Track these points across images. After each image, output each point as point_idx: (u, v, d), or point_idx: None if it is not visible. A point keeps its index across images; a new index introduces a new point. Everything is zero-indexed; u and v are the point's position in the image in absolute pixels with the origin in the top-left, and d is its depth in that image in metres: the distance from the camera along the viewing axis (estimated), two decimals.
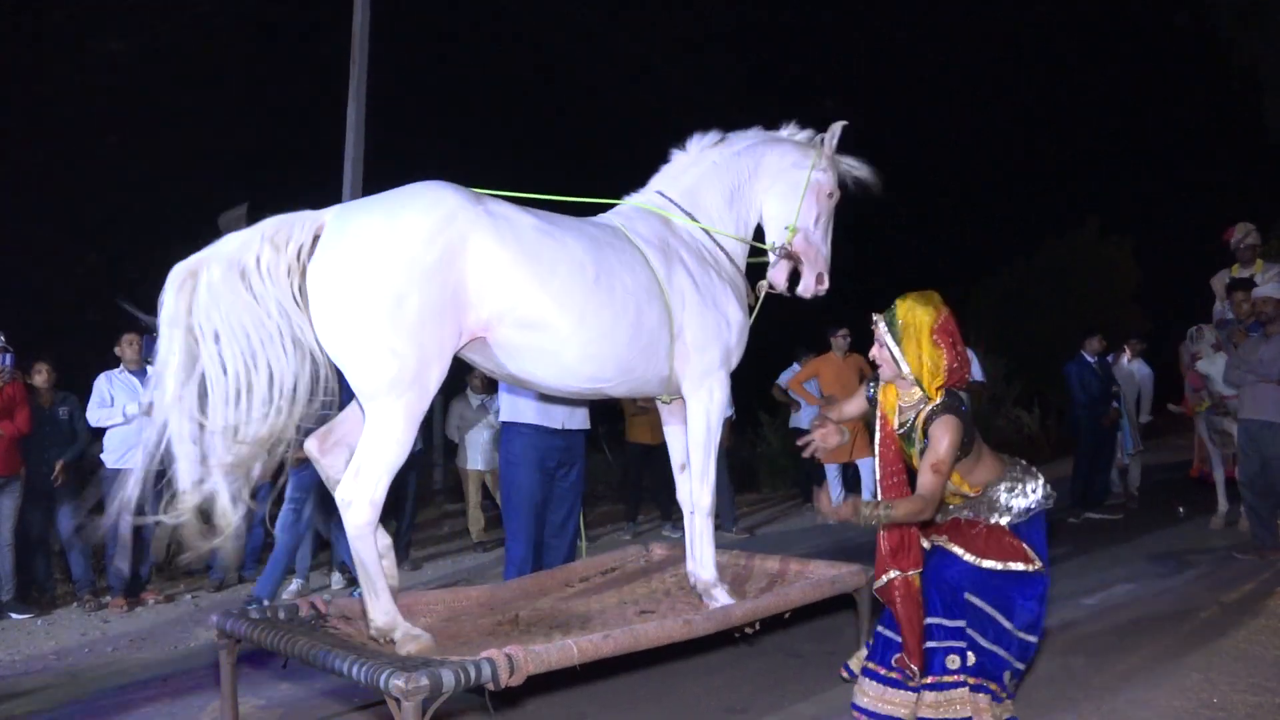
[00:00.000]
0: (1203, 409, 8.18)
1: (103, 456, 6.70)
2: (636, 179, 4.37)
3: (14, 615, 6.37)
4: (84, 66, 15.55)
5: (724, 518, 9.10)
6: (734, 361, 4.07)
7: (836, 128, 4.34)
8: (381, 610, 3.29)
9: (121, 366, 6.83)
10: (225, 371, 3.08)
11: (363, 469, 3.17)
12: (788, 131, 4.42)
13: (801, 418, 10.70)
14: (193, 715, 4.30)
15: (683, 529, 9.57)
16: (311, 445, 3.44)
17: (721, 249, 4.13)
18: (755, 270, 4.32)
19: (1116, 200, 24.09)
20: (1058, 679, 4.39)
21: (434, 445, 11.69)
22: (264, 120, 16.25)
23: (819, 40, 25.82)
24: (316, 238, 3.22)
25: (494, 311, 3.34)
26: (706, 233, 4.10)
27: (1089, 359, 9.55)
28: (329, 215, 3.28)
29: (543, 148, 18.30)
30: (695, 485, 4.00)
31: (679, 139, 4.35)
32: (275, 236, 3.18)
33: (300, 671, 4.41)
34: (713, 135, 4.30)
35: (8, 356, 6.49)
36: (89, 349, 7.51)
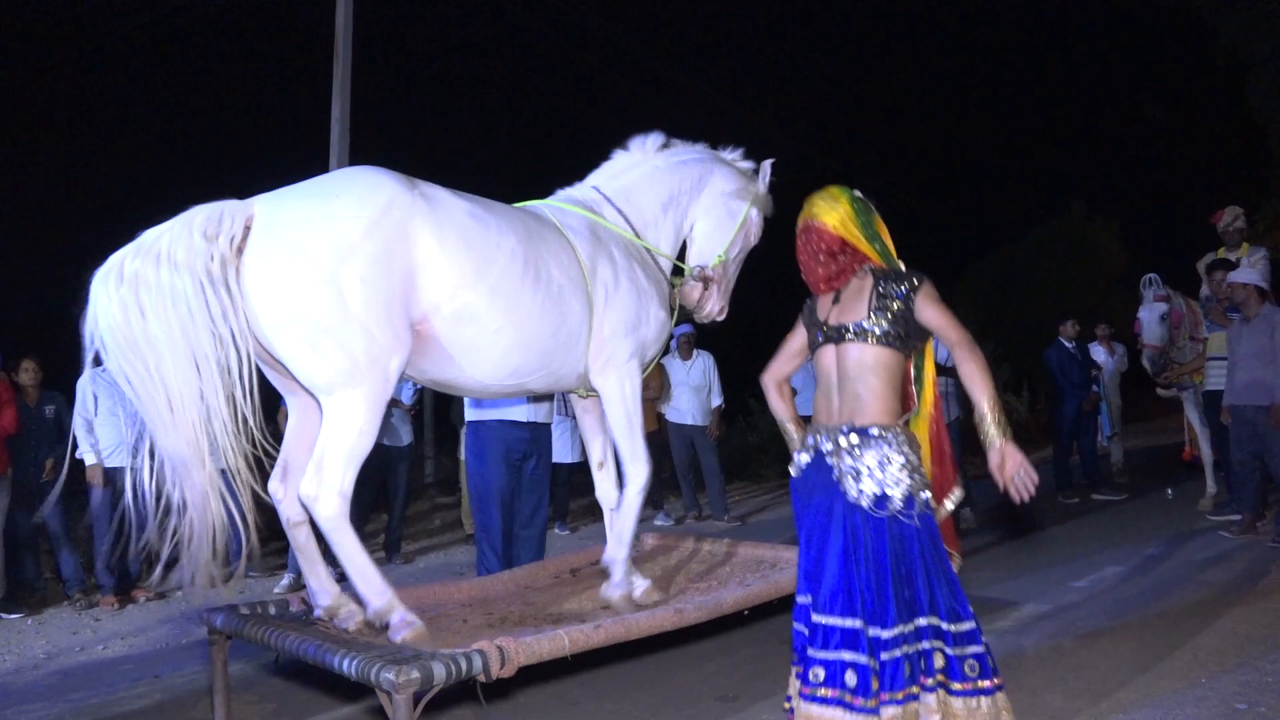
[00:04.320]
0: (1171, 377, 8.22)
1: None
2: None
3: (4, 615, 6.34)
4: (73, 66, 15.44)
5: (715, 506, 9.12)
6: (648, 356, 4.02)
7: (767, 166, 4.40)
8: (376, 592, 3.22)
9: (104, 365, 6.76)
10: (150, 372, 2.97)
11: (325, 461, 3.06)
12: (731, 155, 4.45)
13: (799, 401, 10.72)
14: (185, 711, 4.29)
15: (674, 518, 9.58)
16: (275, 488, 3.34)
17: (648, 249, 4.10)
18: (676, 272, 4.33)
19: (1102, 183, 24.21)
20: (1048, 660, 4.42)
21: (425, 438, 11.67)
22: (249, 119, 16.20)
23: (812, 30, 25.79)
24: (248, 228, 3.06)
25: (430, 303, 3.23)
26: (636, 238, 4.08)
27: (1066, 344, 9.64)
28: (258, 204, 3.14)
29: (531, 144, 18.29)
30: (626, 462, 3.92)
31: (677, 135, 4.35)
32: (206, 228, 3.01)
33: (292, 666, 4.41)
34: (656, 138, 4.30)
35: None
36: (75, 346, 7.45)
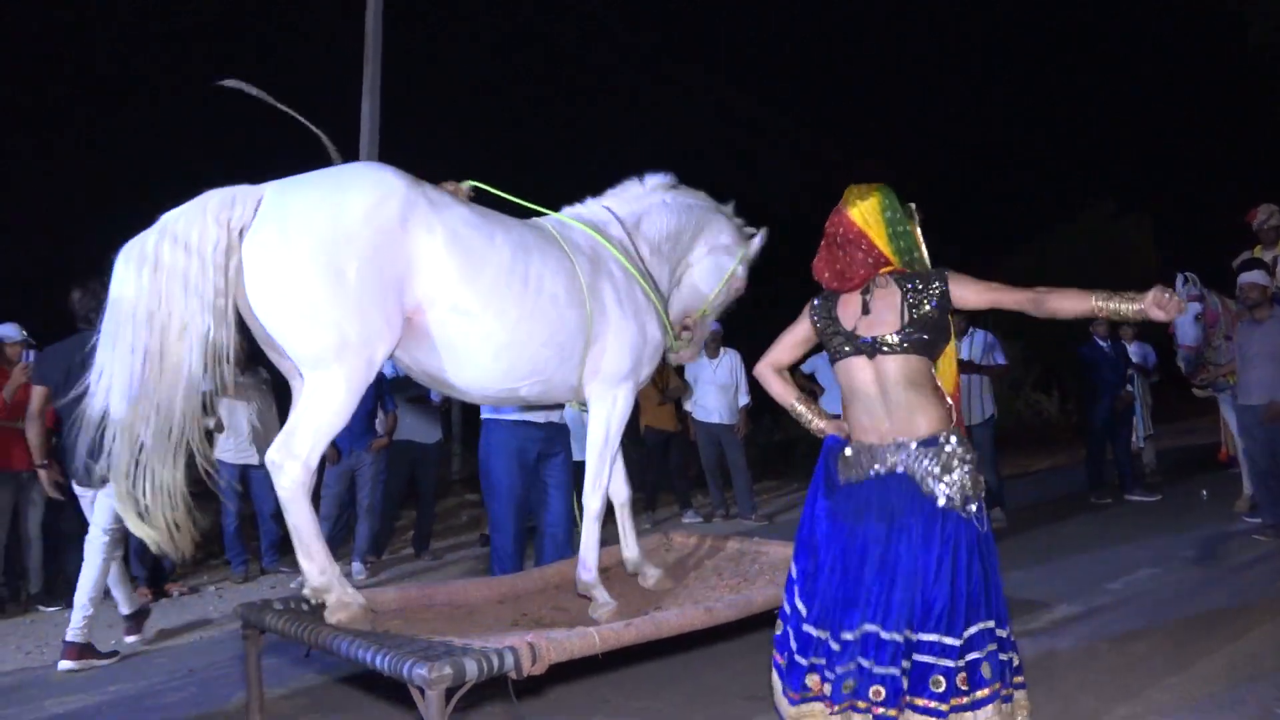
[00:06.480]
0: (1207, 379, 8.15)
1: None
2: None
3: (42, 608, 6.44)
4: (101, 63, 15.63)
5: (742, 505, 9.10)
6: (643, 375, 4.08)
7: (762, 234, 4.58)
8: (318, 570, 3.30)
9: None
10: (147, 350, 3.04)
11: (296, 431, 3.16)
12: (728, 209, 4.59)
13: (826, 400, 10.68)
14: (218, 705, 4.34)
15: (702, 515, 9.56)
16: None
17: (650, 275, 4.14)
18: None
19: (1134, 180, 23.91)
20: (1081, 662, 4.38)
21: (453, 435, 11.72)
22: (277, 116, 16.32)
23: (836, 24, 25.64)
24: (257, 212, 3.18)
25: (424, 295, 3.33)
26: (640, 265, 4.13)
27: (1100, 342, 9.53)
28: (269, 189, 3.24)
29: (557, 144, 18.31)
30: (587, 489, 3.95)
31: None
32: (219, 212, 3.12)
33: (324, 660, 4.45)
34: (667, 177, 4.42)
35: (30, 353, 6.52)
36: None
